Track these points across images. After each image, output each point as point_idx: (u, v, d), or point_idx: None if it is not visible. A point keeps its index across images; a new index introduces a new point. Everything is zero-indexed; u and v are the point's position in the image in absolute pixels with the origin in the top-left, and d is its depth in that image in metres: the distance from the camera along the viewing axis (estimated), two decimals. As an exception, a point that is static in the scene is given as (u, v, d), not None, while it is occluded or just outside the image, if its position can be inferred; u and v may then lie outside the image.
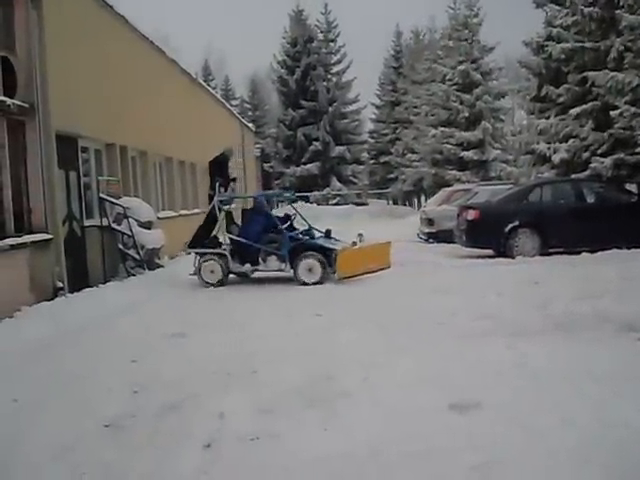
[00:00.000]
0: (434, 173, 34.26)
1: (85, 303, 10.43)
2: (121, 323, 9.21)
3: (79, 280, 12.21)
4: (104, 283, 12.82)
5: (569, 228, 14.96)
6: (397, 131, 48.69)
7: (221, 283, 12.85)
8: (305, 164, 47.87)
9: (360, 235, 13.84)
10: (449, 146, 32.91)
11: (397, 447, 4.38)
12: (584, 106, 19.79)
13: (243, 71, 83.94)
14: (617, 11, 17.74)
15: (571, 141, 20.22)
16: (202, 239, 13.31)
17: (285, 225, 13.14)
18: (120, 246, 14.17)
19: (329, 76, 50.69)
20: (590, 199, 16.03)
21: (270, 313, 9.59)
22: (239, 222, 13.69)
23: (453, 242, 17.07)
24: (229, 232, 13.29)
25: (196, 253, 13.20)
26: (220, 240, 13.38)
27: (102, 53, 14.18)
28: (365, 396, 5.45)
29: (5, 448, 4.66)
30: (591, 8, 19.61)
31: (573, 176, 19.33)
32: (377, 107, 55.97)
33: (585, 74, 18.63)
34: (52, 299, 10.59)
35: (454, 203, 19.87)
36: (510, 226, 15.17)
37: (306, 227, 13.57)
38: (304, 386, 5.74)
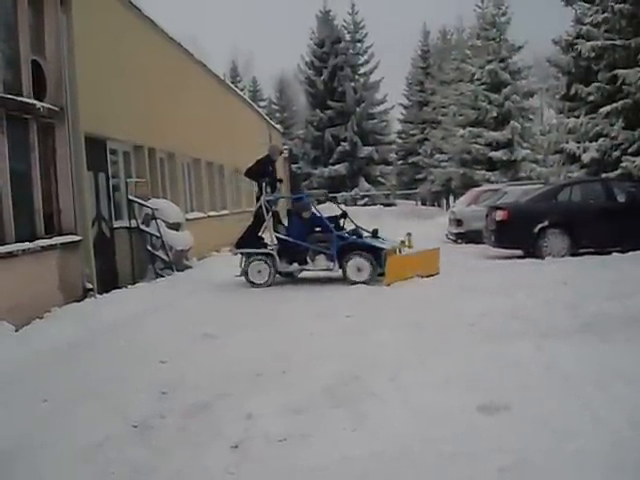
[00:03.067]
0: (462, 173, 34.11)
1: (114, 304, 10.50)
2: (150, 324, 9.28)
3: (108, 281, 12.31)
4: (133, 284, 12.91)
5: (599, 228, 14.81)
6: (425, 131, 48.54)
7: (268, 283, 12.88)
8: (333, 165, 47.88)
9: (409, 235, 14.07)
10: (477, 146, 32.74)
11: (426, 448, 4.37)
12: (614, 104, 19.61)
13: (270, 72, 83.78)
14: (649, 8, 17.55)
15: (601, 140, 20.04)
16: (249, 240, 13.33)
17: (333, 225, 13.09)
18: (149, 247, 14.25)
19: (356, 77, 50.68)
20: (620, 199, 15.86)
21: (302, 314, 9.58)
22: (285, 222, 13.74)
23: (482, 242, 16.99)
24: (276, 232, 13.30)
25: (242, 254, 13.22)
26: (265, 241, 13.43)
27: (130, 55, 14.28)
28: (394, 397, 5.43)
29: (35, 448, 4.70)
30: (622, 5, 19.43)
31: (603, 175, 19.15)
32: (405, 107, 55.80)
33: (615, 72, 18.49)
34: (81, 300, 10.67)
35: (483, 203, 19.78)
36: (539, 226, 15.06)
37: (353, 227, 13.47)
38: (333, 386, 5.72)
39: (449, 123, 38.40)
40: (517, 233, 15.32)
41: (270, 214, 13.21)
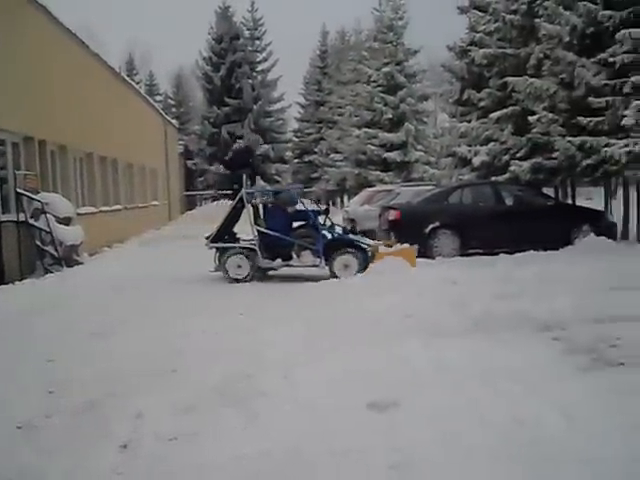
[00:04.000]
0: (357, 173, 34.41)
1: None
2: (37, 322, 8.99)
3: (-7, 277, 11.90)
4: (20, 280, 12.50)
5: (488, 230, 15.25)
6: (321, 131, 48.76)
7: (248, 279, 12.59)
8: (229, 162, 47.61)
9: None
10: (372, 147, 33.09)
11: (316, 446, 4.39)
12: (504, 110, 20.17)
13: (168, 67, 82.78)
14: (537, 20, 18.14)
15: (491, 144, 20.59)
16: (225, 234, 13.05)
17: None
18: (37, 242, 13.83)
19: (254, 74, 50.56)
20: (509, 202, 16.40)
21: (194, 312, 9.46)
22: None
23: (375, 242, 17.18)
24: (257, 225, 12.95)
25: (218, 248, 12.92)
26: (238, 236, 13.19)
27: (21, 44, 13.82)
28: (285, 394, 5.45)
29: None
30: (512, 16, 20.03)
31: (492, 179, 19.70)
32: (302, 106, 55.98)
33: (506, 79, 18.99)
34: (-36, 296, 10.28)
35: (376, 203, 20.04)
36: (430, 227, 15.37)
37: (329, 224, 13.40)
38: (224, 385, 5.69)
39: (345, 123, 38.70)
40: (409, 233, 15.49)
41: (250, 207, 12.94)
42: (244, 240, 13.11)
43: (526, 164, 18.51)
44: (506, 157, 19.88)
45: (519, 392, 5.30)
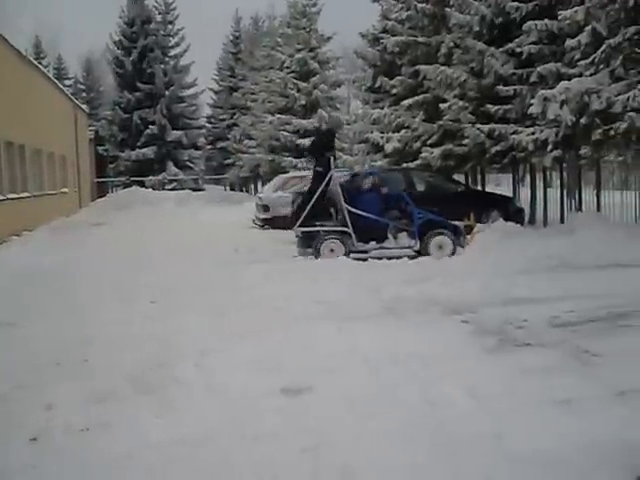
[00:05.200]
0: (271, 160, 34.33)
1: None
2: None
3: None
4: None
5: (400, 215, 15.37)
6: (235, 117, 48.45)
7: None
8: (141, 148, 46.88)
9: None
10: (286, 133, 33.06)
11: (230, 431, 4.39)
12: (416, 98, 20.40)
13: (78, 50, 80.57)
14: (447, 9, 18.39)
15: (403, 131, 20.80)
16: (313, 218, 12.71)
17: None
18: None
19: (167, 59, 49.83)
20: (420, 188, 16.62)
21: (103, 300, 9.25)
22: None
23: (289, 228, 17.14)
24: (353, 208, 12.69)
25: (308, 233, 12.67)
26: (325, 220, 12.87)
27: None
28: (198, 381, 5.41)
29: None
30: (424, 4, 20.25)
31: (404, 165, 19.91)
32: (215, 92, 55.51)
33: (417, 67, 19.19)
34: None
35: (290, 190, 19.99)
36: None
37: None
38: (136, 374, 5.61)
39: (258, 109, 38.54)
40: (322, 219, 15.58)
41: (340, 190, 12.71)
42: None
43: (437, 151, 18.78)
44: (417, 144, 20.12)
45: (430, 374, 5.39)
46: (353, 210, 12.67)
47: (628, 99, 12.65)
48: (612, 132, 13.16)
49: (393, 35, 21.59)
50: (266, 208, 21.08)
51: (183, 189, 42.33)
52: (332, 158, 13.06)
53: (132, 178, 43.36)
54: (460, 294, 8.55)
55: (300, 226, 12.85)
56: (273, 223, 20.19)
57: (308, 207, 12.72)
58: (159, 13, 50.76)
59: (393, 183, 16.40)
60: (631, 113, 12.74)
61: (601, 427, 4.22)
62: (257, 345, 6.39)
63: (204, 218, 24.54)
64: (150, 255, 13.97)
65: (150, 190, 39.08)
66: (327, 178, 12.74)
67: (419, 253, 12.47)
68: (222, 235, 18.38)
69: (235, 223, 22.23)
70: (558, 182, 15.52)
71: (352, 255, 12.36)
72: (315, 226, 12.77)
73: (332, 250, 12.45)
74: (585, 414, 4.47)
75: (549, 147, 14.83)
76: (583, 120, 13.54)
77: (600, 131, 13.42)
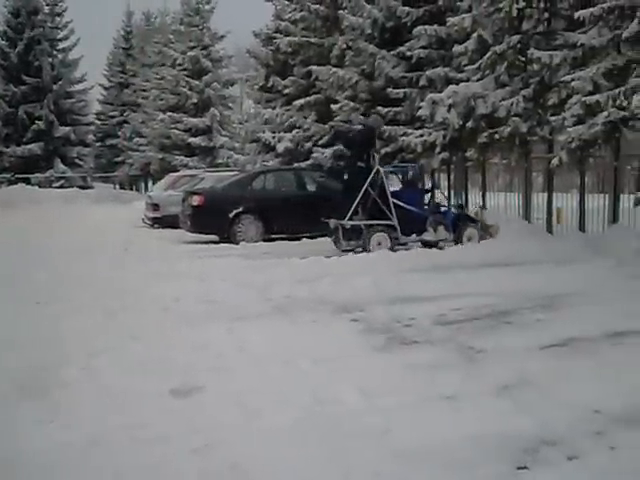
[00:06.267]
0: (161, 158, 33.87)
1: None
2: None
3: None
4: None
5: (291, 215, 15.46)
6: (125, 114, 47.54)
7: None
8: (27, 144, 45.25)
9: (481, 208, 15.31)
10: (177, 131, 32.69)
11: (119, 434, 4.27)
12: (308, 98, 20.56)
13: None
14: (340, 11, 18.60)
15: (295, 131, 20.93)
16: (358, 212, 13.07)
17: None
18: None
19: (55, 52, 48.32)
20: (310, 187, 16.71)
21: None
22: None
23: (179, 227, 16.97)
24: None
25: (359, 227, 12.97)
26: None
27: None
28: (86, 385, 5.25)
29: None
30: (317, 6, 20.43)
31: (295, 165, 19.99)
32: (105, 88, 54.19)
33: (310, 68, 19.33)
34: None
35: (180, 188, 19.79)
36: (234, 212, 15.39)
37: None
38: (21, 378, 5.36)
39: (149, 107, 37.98)
40: (212, 218, 15.52)
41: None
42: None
43: (328, 151, 18.97)
44: (309, 144, 20.28)
45: (320, 372, 5.41)
46: (399, 204, 13.27)
47: (512, 104, 13.10)
48: (497, 136, 13.61)
49: (286, 35, 21.70)
50: (156, 207, 20.77)
51: (71, 187, 41.15)
52: (376, 154, 13.64)
53: (17, 175, 41.87)
54: (350, 293, 8.62)
55: (349, 220, 13.11)
56: (163, 222, 19.92)
57: (355, 202, 13.01)
58: (47, 4, 49.15)
59: (284, 183, 16.50)
60: (515, 118, 13.21)
61: (485, 421, 4.33)
62: (146, 346, 6.26)
63: (93, 217, 24.02)
64: (36, 255, 13.54)
65: (36, 188, 37.90)
66: (373, 173, 13.15)
67: (456, 243, 13.37)
68: (111, 234, 18.00)
69: (125, 222, 21.83)
70: (446, 183, 15.90)
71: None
72: (362, 220, 13.13)
73: (379, 243, 12.90)
74: (470, 409, 4.57)
75: (437, 149, 15.22)
76: (469, 123, 13.96)
77: (486, 134, 13.86)
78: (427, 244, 13.32)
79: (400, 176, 14.31)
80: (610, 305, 7.65)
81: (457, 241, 13.38)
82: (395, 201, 13.22)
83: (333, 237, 13.57)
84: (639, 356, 5.67)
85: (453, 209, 14.21)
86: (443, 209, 14.10)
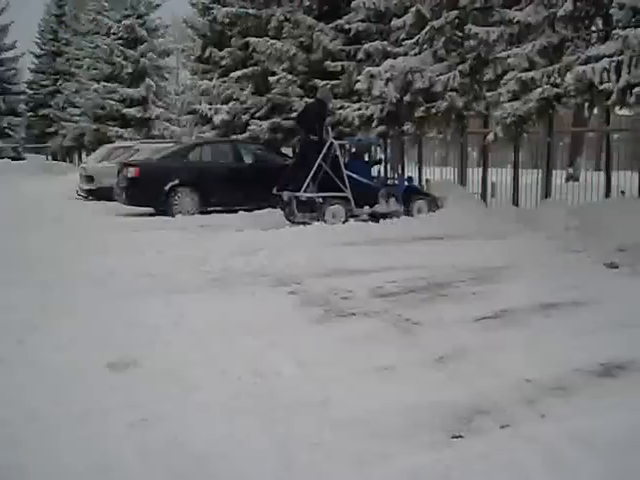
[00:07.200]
0: (96, 129, 33.23)
1: None
2: None
3: None
4: None
5: (227, 187, 15.41)
6: (58, 83, 46.44)
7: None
8: (-46, 114, 44.09)
9: (427, 181, 15.78)
10: (112, 102, 32.06)
11: (55, 410, 4.22)
12: (245, 70, 20.40)
13: None
14: (279, -18, 18.47)
15: (232, 103, 20.75)
16: (312, 184, 13.05)
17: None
18: None
19: (-18, 18, 46.96)
20: (247, 160, 16.63)
21: None
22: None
23: (114, 200, 16.74)
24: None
25: (312, 198, 13.04)
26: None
27: None
28: (21, 360, 5.15)
29: None
30: (256, -24, 20.23)
31: (232, 137, 19.85)
32: (37, 56, 52.82)
33: (247, 39, 19.16)
34: None
35: (115, 160, 19.50)
36: (170, 184, 15.23)
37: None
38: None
39: (83, 76, 37.17)
40: (148, 191, 15.34)
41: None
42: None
43: (265, 123, 18.89)
44: (246, 116, 20.17)
45: (257, 345, 5.41)
46: (353, 176, 13.45)
47: (449, 79, 13.21)
48: (434, 110, 13.72)
49: (224, 6, 21.42)
50: (90, 179, 20.47)
51: (2, 158, 40.20)
52: (330, 127, 13.79)
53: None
54: (287, 266, 8.64)
55: (304, 192, 13.05)
56: (98, 194, 19.64)
57: (310, 174, 12.98)
58: (-26, -33, 47.70)
59: (220, 155, 16.39)
60: (451, 93, 13.32)
61: (421, 391, 4.40)
62: (81, 321, 6.18)
63: (25, 189, 23.53)
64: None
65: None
66: (327, 146, 13.18)
67: (406, 214, 13.48)
68: (44, 207, 17.68)
69: (58, 194, 21.46)
70: (382, 156, 15.99)
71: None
72: (314, 192, 13.15)
73: (334, 215, 13.05)
74: (406, 380, 4.64)
75: (374, 123, 15.27)
76: (407, 97, 14.04)
77: (422, 109, 13.96)
78: (375, 216, 13.40)
79: (348, 148, 14.35)
80: (540, 278, 7.83)
81: (407, 213, 13.56)
82: (348, 173, 13.34)
83: (286, 209, 13.56)
84: (567, 326, 5.82)
85: (405, 182, 14.42)
86: (390, 182, 14.27)
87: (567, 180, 18.14)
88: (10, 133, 46.62)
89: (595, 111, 14.91)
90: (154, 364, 5.01)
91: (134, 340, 5.57)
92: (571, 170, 20.99)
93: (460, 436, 3.81)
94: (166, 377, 4.74)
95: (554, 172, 13.28)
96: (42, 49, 52.35)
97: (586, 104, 12.08)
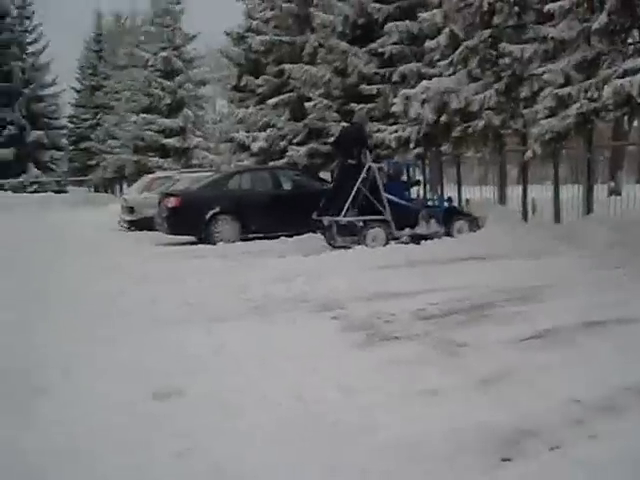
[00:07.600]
0: (136, 160, 33.70)
1: None
2: None
3: None
4: None
5: (267, 214, 15.46)
6: (98, 116, 47.25)
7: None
8: (-1, 149, 44.92)
9: (467, 201, 15.54)
10: (150, 133, 32.54)
11: (99, 440, 4.23)
12: (281, 97, 20.55)
13: None
14: (311, 9, 18.61)
15: (269, 130, 20.90)
16: (352, 208, 13.17)
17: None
18: None
19: (25, 56, 47.89)
20: (286, 186, 16.72)
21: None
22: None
23: (155, 230, 16.90)
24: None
25: (352, 223, 13.18)
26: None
27: None
28: (65, 390, 5.18)
29: None
30: (288, 4, 20.43)
31: (271, 164, 19.97)
32: (77, 91, 53.90)
33: (282, 66, 19.33)
34: None
35: (155, 190, 19.70)
36: (211, 213, 15.33)
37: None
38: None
39: (122, 109, 37.78)
40: (189, 220, 15.47)
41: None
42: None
43: (303, 149, 18.99)
44: (284, 143, 20.28)
45: (300, 371, 5.38)
46: (393, 199, 13.55)
47: (484, 98, 13.17)
48: (470, 130, 13.67)
49: (258, 34, 21.66)
50: (131, 210, 20.68)
51: (45, 191, 40.87)
52: (369, 151, 13.76)
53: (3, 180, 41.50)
54: (329, 291, 8.62)
55: (344, 216, 13.17)
56: (139, 225, 19.82)
57: (350, 198, 13.08)
58: (16, 7, 48.70)
59: (259, 182, 16.49)
60: (488, 112, 13.27)
61: (467, 414, 4.35)
62: (126, 350, 6.21)
63: (68, 221, 23.83)
64: (15, 262, 13.38)
65: (9, 193, 37.59)
66: (365, 169, 13.30)
67: (446, 235, 13.57)
68: (87, 238, 17.91)
69: (101, 225, 21.71)
70: (421, 178, 15.97)
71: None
72: (354, 216, 13.28)
73: (374, 239, 13.09)
74: (451, 402, 4.59)
75: (411, 144, 15.26)
76: (443, 118, 14.01)
77: (459, 128, 13.93)
78: (416, 237, 13.35)
79: (386, 170, 14.30)
80: (584, 296, 7.72)
81: (448, 233, 13.57)
82: (387, 196, 13.38)
83: (327, 234, 13.60)
84: (613, 344, 5.72)
85: (445, 203, 14.44)
86: (430, 203, 14.27)
87: (610, 194, 17.92)
88: (53, 167, 47.42)
89: (635, 124, 14.75)
90: (197, 392, 5.01)
91: (177, 369, 5.57)
92: (613, 184, 20.77)
93: (509, 459, 3.75)
94: (209, 405, 4.74)
95: (595, 187, 13.12)
96: (82, 84, 53.38)
97: (625, 117, 11.94)
